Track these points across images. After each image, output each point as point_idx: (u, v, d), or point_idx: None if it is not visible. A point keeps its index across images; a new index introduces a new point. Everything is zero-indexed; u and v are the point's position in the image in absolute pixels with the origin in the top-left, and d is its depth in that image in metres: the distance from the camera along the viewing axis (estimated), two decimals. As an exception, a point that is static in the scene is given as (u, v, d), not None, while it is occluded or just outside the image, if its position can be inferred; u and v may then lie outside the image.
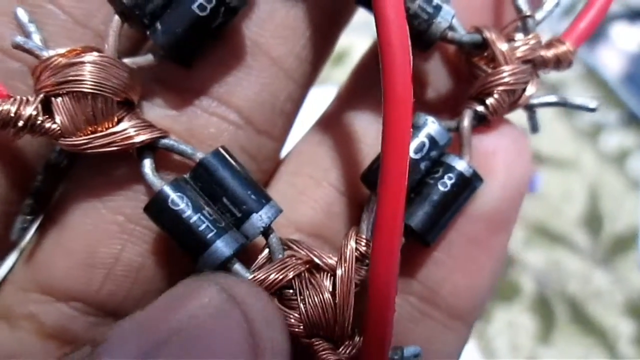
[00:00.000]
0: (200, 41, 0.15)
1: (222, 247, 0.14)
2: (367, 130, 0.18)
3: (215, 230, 0.14)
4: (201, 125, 0.17)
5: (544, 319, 0.42)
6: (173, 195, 0.15)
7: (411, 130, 0.14)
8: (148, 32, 0.15)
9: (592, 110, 0.18)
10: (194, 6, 0.15)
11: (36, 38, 0.15)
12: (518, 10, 0.17)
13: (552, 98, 0.18)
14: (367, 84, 0.19)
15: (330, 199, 0.18)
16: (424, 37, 0.17)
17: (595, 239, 0.45)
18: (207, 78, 0.17)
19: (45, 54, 0.15)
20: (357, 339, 0.15)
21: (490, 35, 0.17)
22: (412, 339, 0.17)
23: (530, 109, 0.18)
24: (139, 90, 0.16)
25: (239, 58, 0.17)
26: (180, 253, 0.15)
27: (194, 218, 0.14)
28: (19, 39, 0.15)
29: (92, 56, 0.14)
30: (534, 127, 0.19)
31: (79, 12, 0.16)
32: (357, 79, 0.19)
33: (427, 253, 0.17)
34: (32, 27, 0.15)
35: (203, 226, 0.14)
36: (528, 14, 0.17)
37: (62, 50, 0.14)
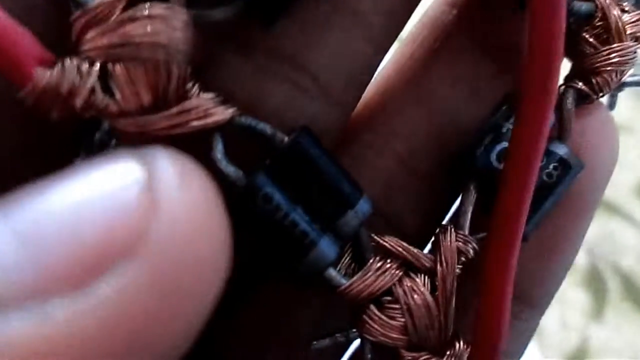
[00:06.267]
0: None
1: (326, 248, 0.12)
2: (444, 92, 0.16)
3: (315, 230, 0.12)
4: (268, 93, 0.14)
5: (595, 295, 0.38)
6: (266, 187, 0.12)
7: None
8: None
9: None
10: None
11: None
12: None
13: (644, 75, 0.17)
14: (444, 38, 0.16)
15: (392, 171, 0.16)
16: None
17: (652, 208, 0.41)
18: (278, 36, 0.14)
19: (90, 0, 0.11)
20: (457, 346, 0.14)
21: (606, 5, 0.15)
22: None
23: (621, 86, 0.17)
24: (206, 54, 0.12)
25: (319, 12, 0.14)
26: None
27: (292, 215, 0.12)
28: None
29: (158, 9, 0.11)
30: (612, 105, 0.18)
31: None
32: (429, 32, 0.17)
33: None
34: None
35: (303, 225, 0.12)
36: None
37: (113, -2, 0.11)
